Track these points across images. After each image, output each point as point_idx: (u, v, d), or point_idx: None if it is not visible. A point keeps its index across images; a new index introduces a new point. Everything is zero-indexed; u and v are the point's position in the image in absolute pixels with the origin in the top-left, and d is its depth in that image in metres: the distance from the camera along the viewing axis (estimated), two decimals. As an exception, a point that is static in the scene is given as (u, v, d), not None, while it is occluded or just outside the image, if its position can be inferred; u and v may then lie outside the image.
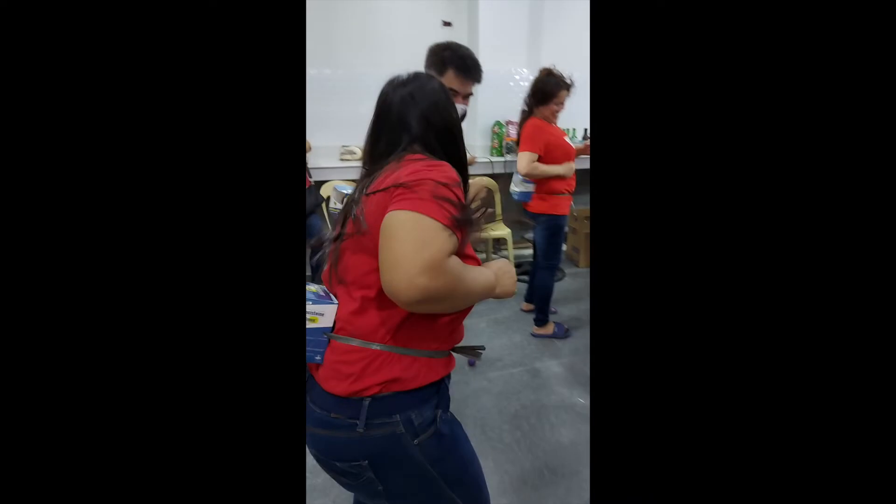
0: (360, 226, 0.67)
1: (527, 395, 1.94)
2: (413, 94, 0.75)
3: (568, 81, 2.13)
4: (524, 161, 2.12)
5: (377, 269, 0.63)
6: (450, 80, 1.35)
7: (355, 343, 0.69)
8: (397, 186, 0.63)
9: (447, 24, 3.25)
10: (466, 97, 1.40)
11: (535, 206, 2.21)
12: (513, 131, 3.14)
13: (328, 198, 2.82)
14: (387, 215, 0.62)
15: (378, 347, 0.68)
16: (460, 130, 0.80)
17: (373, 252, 0.65)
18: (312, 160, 2.72)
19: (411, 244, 0.58)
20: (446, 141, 0.76)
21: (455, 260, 0.63)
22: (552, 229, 2.23)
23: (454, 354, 0.78)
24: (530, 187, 2.21)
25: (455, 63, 1.35)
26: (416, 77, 0.77)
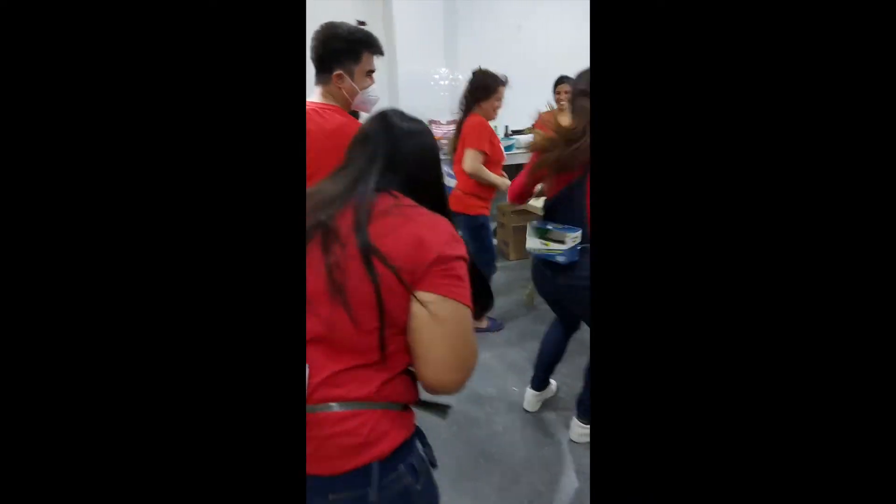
0: (345, 278, 0.58)
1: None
2: (422, 132, 0.72)
3: (502, 79, 2.16)
4: (470, 159, 2.08)
5: (373, 331, 0.60)
6: (368, 62, 1.27)
7: (352, 408, 0.60)
8: (439, 262, 0.58)
9: (362, 23, 3.23)
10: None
11: (453, 203, 2.23)
12: (436, 130, 3.17)
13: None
14: (435, 300, 0.58)
15: (382, 407, 0.62)
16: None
17: (362, 308, 0.59)
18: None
19: (461, 341, 0.60)
20: (436, 196, 0.72)
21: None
22: (473, 230, 2.23)
23: None
24: (452, 182, 2.19)
25: (368, 44, 1.27)
26: (422, 122, 0.75)
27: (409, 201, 0.66)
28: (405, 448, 0.64)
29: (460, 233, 2.23)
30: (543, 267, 1.40)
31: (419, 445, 0.68)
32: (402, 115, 0.74)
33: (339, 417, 0.59)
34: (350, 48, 1.23)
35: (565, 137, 1.22)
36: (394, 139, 0.70)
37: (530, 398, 1.83)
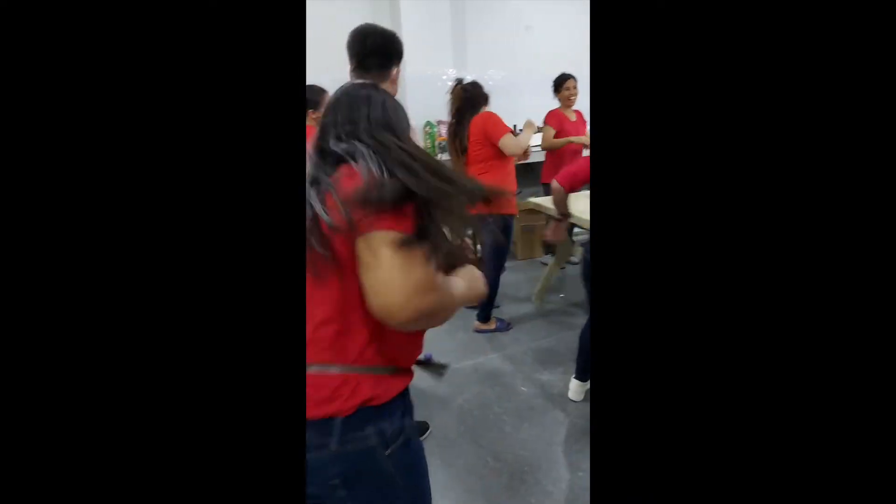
0: (324, 245, 0.63)
1: (470, 389, 1.97)
2: (370, 94, 0.73)
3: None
4: (512, 142, 2.15)
5: (340, 292, 0.64)
6: (396, 74, 1.31)
7: (316, 370, 0.66)
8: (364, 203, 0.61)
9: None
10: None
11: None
12: (444, 131, 3.18)
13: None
14: (365, 236, 0.61)
15: (345, 371, 0.66)
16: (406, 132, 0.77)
17: (327, 272, 0.64)
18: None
19: (399, 265, 0.59)
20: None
21: (440, 275, 0.63)
22: (504, 230, 2.26)
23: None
24: None
25: (399, 54, 1.30)
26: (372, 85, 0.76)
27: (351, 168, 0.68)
28: (375, 411, 0.68)
29: (488, 232, 2.26)
30: None
31: (399, 415, 0.71)
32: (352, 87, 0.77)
33: (311, 373, 0.66)
34: (401, 50, 1.31)
35: None
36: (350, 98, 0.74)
37: (576, 388, 1.88)
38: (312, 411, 0.65)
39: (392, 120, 0.73)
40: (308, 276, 0.63)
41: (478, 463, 1.58)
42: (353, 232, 0.62)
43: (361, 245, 0.62)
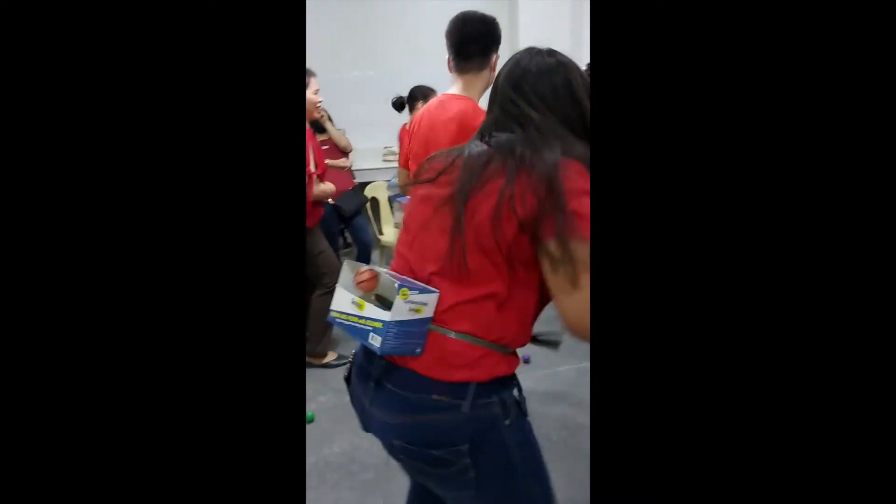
0: (498, 224, 0.64)
1: (573, 395, 1.90)
2: (561, 63, 0.71)
3: None
4: None
5: (501, 270, 0.66)
6: (495, 60, 1.31)
7: (467, 340, 0.68)
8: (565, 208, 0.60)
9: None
10: None
11: None
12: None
13: (372, 198, 2.89)
14: (564, 240, 0.60)
15: (490, 347, 0.68)
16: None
17: (493, 251, 0.65)
18: (356, 161, 2.79)
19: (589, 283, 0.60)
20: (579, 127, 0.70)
21: None
22: None
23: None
24: None
25: (498, 40, 1.30)
26: (557, 53, 0.73)
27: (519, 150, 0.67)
28: (500, 384, 0.70)
29: None
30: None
31: (515, 391, 0.73)
32: (532, 53, 0.73)
33: (453, 343, 0.68)
34: (500, 36, 1.31)
35: None
36: (514, 85, 0.71)
37: None
38: (453, 374, 0.67)
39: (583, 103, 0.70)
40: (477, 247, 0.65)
41: (578, 468, 1.51)
42: (539, 227, 0.61)
43: (556, 247, 0.60)
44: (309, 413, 1.73)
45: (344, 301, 0.69)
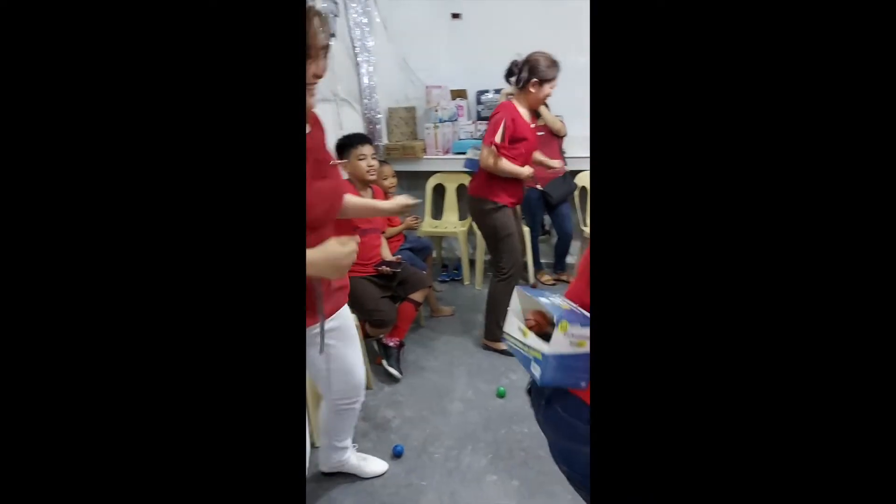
0: None
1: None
2: None
3: None
4: None
5: None
6: None
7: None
8: None
9: None
10: None
11: None
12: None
13: (582, 188, 2.84)
14: None
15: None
16: None
17: None
18: (569, 149, 2.77)
19: None
20: None
21: None
22: None
23: None
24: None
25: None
26: None
27: None
28: None
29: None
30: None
31: None
32: None
33: None
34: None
35: None
36: None
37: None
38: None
39: None
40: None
41: None
42: None
43: None
44: (500, 388, 1.91)
45: (513, 325, 0.70)
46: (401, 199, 1.33)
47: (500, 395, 1.88)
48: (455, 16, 2.94)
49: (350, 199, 1.16)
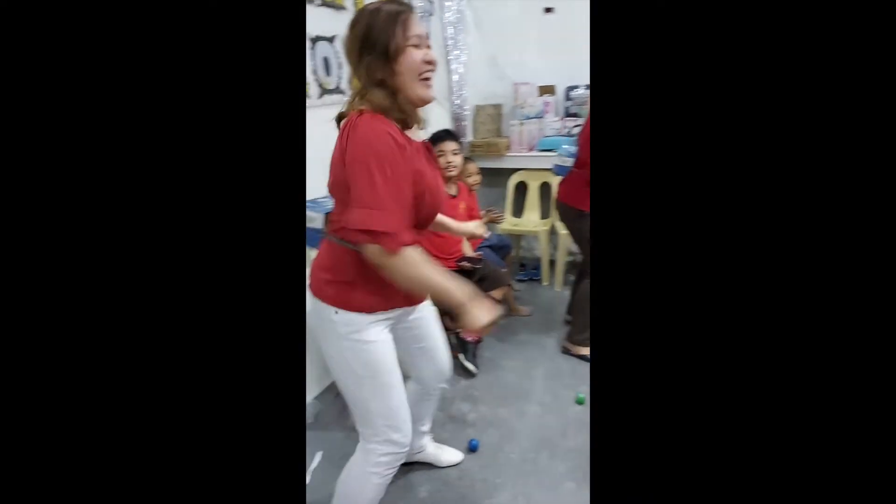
0: None
1: None
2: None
3: None
4: None
5: None
6: None
7: None
8: None
9: None
10: None
11: None
12: None
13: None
14: None
15: None
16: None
17: None
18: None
19: None
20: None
21: None
22: None
23: None
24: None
25: None
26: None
27: None
28: None
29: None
30: None
31: None
32: None
33: None
34: None
35: None
36: None
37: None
38: None
39: None
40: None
41: None
42: None
43: None
44: (579, 395, 1.86)
45: None
46: (471, 227, 1.37)
47: (579, 402, 1.83)
48: (548, 10, 2.88)
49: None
